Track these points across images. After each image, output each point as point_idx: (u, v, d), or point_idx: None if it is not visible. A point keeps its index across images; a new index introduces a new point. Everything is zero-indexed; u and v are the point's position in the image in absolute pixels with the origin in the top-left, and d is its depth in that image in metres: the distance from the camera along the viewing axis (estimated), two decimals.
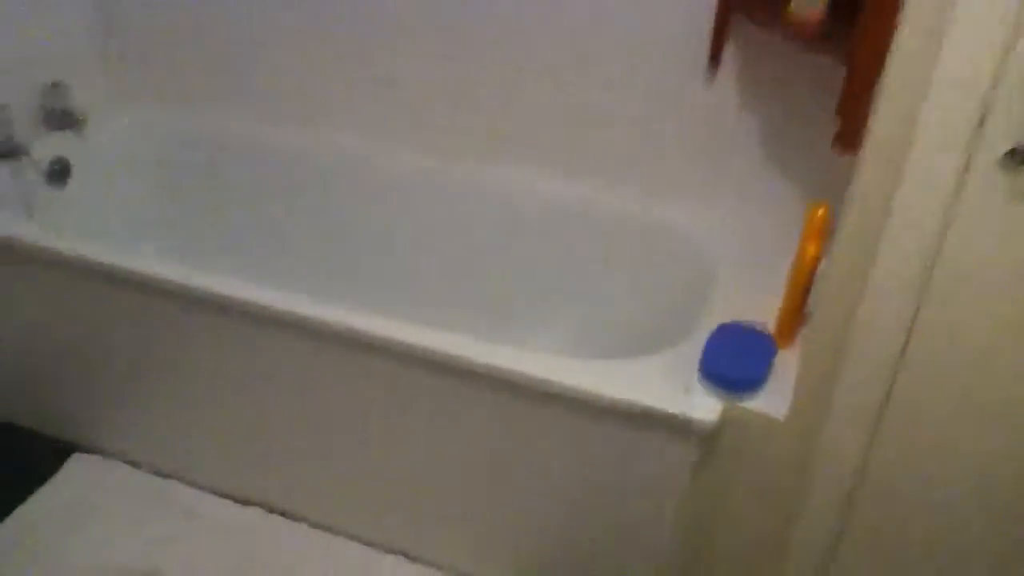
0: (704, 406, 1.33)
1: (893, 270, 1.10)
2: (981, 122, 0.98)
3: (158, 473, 1.82)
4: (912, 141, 1.02)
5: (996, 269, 1.05)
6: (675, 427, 1.34)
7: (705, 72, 1.69)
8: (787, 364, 1.38)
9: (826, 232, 1.39)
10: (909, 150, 1.03)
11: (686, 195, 1.80)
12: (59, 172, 1.90)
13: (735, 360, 1.35)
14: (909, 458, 1.21)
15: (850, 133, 1.38)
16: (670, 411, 1.32)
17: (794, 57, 1.61)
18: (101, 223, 2.04)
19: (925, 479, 1.22)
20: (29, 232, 1.65)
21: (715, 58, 1.67)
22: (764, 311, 1.48)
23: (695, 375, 1.36)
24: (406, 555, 1.68)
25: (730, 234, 1.74)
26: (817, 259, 1.34)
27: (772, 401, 1.33)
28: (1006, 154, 0.98)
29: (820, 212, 1.39)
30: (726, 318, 1.46)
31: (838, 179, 1.45)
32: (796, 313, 1.39)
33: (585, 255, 1.89)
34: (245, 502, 1.77)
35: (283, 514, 1.75)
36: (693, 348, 1.41)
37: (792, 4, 1.43)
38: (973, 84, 0.96)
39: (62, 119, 1.96)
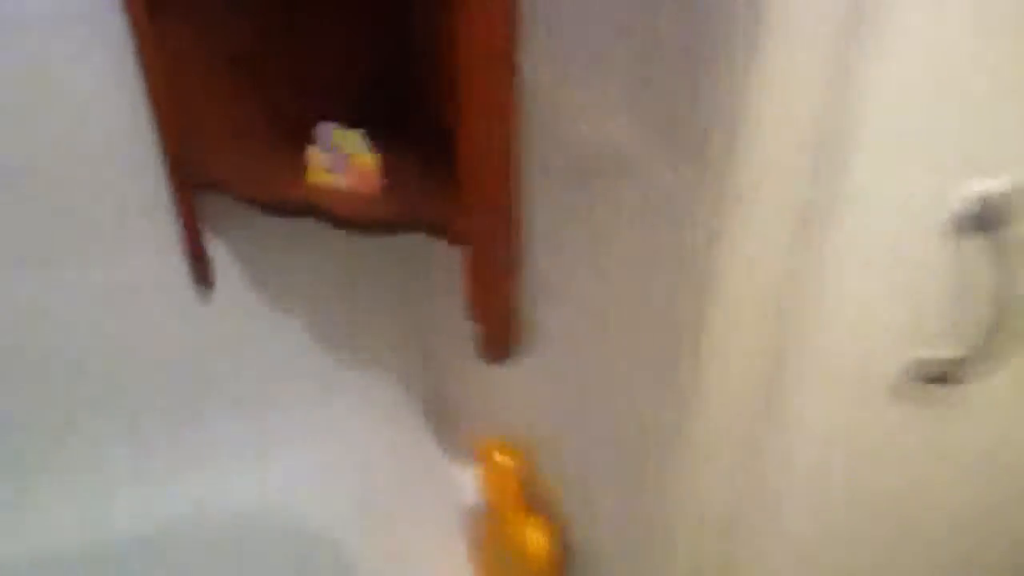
0: None
1: None
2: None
3: None
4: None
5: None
6: None
7: (192, 284, 1.09)
8: None
9: (514, 481, 0.94)
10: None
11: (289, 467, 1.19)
12: None
13: None
14: None
15: (496, 335, 0.94)
16: None
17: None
18: None
19: None
20: None
21: (199, 261, 1.08)
22: None
23: None
24: None
25: (353, 506, 1.14)
26: (543, 534, 0.87)
27: None
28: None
29: (500, 457, 0.93)
30: None
31: (472, 388, 1.01)
32: None
33: None
34: None
35: None
36: None
37: (310, 170, 0.93)
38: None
39: None
